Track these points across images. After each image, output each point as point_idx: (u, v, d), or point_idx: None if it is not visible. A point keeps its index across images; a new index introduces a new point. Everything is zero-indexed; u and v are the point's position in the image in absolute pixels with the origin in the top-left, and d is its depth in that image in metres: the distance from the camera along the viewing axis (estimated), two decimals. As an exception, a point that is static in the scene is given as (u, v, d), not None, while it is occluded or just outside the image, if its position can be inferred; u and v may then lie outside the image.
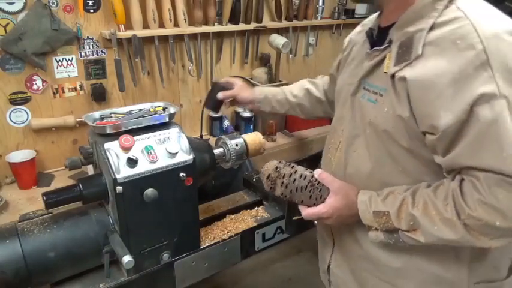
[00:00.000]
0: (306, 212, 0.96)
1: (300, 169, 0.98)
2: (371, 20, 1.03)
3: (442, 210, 0.78)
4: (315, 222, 1.08)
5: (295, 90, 1.40)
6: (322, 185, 0.95)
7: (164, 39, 1.89)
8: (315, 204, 0.96)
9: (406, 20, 0.82)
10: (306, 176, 0.96)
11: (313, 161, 1.76)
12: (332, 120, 1.12)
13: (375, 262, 0.98)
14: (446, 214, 0.77)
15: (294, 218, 1.24)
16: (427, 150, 0.82)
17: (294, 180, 0.96)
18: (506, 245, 0.89)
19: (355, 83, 0.94)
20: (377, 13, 0.98)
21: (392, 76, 0.81)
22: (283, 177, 0.96)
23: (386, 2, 0.89)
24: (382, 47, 0.87)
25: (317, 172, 0.97)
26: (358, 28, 1.12)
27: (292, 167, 0.98)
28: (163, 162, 1.04)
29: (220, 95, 1.40)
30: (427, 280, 0.92)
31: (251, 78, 2.18)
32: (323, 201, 0.94)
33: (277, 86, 2.17)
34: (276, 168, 0.97)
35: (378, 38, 0.92)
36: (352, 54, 1.06)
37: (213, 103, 1.43)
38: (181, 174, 1.06)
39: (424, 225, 0.80)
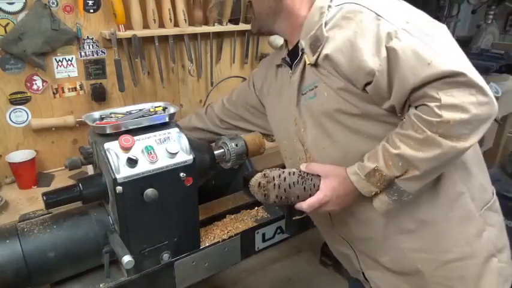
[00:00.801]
0: (306, 204, 0.97)
1: (286, 169, 1.01)
2: (274, 55, 1.23)
3: (416, 136, 0.84)
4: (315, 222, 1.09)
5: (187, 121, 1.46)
6: (312, 174, 0.99)
7: (164, 39, 1.88)
8: (310, 195, 0.97)
9: (305, 32, 0.97)
10: (294, 172, 0.99)
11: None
12: (281, 150, 1.23)
13: (394, 243, 1.02)
14: (421, 136, 0.83)
15: (294, 218, 1.24)
16: (377, 108, 0.91)
17: (285, 178, 0.98)
18: (482, 163, 1.06)
19: (295, 97, 1.04)
20: (280, 47, 1.18)
21: (315, 64, 0.95)
22: (273, 179, 0.98)
23: (282, 29, 1.07)
24: (299, 58, 1.00)
25: (303, 166, 1.02)
26: (262, 69, 1.28)
27: (278, 169, 1.01)
28: (163, 162, 1.04)
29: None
30: (447, 229, 0.99)
31: (251, 78, 2.17)
32: (318, 189, 0.97)
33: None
34: (264, 174, 0.99)
35: (291, 59, 1.06)
36: (274, 89, 1.18)
37: None
38: (181, 174, 1.06)
39: (411, 157, 0.85)
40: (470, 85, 0.79)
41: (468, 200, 0.98)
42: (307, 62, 0.97)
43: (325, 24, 0.93)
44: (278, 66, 1.15)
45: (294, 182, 0.97)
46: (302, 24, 0.99)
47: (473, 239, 0.99)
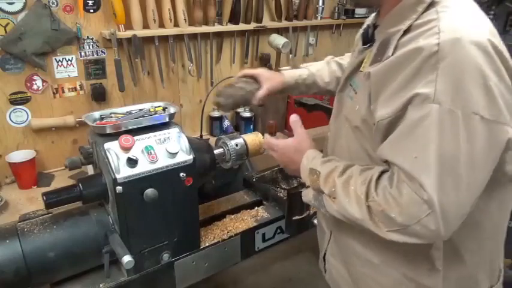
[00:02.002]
0: (266, 139, 1.07)
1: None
2: (373, 16, 1.03)
3: (357, 187, 0.81)
4: (315, 222, 1.09)
5: (327, 76, 1.35)
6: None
7: (164, 39, 1.88)
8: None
9: (388, 20, 0.83)
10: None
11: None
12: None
13: (360, 256, 1.00)
14: (358, 192, 0.80)
15: (294, 218, 1.24)
16: None
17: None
18: (483, 257, 0.91)
19: (343, 80, 0.98)
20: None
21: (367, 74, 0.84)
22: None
23: (381, 3, 0.90)
24: (367, 46, 0.90)
25: (293, 117, 1.04)
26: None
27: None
28: (163, 162, 1.04)
29: (261, 92, 1.26)
30: (402, 281, 0.93)
31: (251, 78, 2.17)
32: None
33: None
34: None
35: (371, 36, 0.93)
36: (355, 50, 1.08)
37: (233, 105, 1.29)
38: (181, 174, 1.06)
39: (340, 194, 0.84)
40: (429, 205, 0.70)
41: (439, 279, 0.89)
42: (361, 68, 0.89)
43: (408, 30, 0.77)
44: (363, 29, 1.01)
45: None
46: (398, 3, 0.82)
47: None
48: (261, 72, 1.31)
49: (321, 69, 1.38)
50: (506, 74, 0.73)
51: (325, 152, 1.09)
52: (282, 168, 1.63)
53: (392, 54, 0.77)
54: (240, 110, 2.22)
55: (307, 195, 0.96)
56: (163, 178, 1.04)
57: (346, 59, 1.35)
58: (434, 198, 0.69)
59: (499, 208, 0.87)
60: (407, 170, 0.72)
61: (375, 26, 0.94)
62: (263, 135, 1.37)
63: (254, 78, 1.29)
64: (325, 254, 1.16)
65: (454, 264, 0.89)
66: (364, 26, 1.05)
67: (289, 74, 1.34)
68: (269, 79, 1.29)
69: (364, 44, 0.94)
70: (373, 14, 1.03)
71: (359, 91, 0.88)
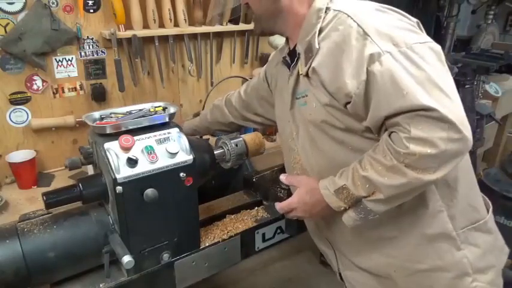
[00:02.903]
0: (279, 205, 1.09)
1: None
2: (278, 52, 1.23)
3: (384, 162, 0.86)
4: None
5: (208, 114, 1.53)
6: None
7: (164, 39, 1.88)
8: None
9: (303, 34, 0.98)
10: None
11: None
12: (281, 145, 1.24)
13: (370, 248, 1.05)
14: (389, 163, 0.85)
15: (294, 218, 1.24)
16: (359, 124, 0.92)
17: None
18: (474, 184, 1.04)
19: (289, 100, 1.06)
20: (282, 43, 1.17)
21: (307, 74, 0.96)
22: None
23: (284, 29, 1.06)
24: (295, 62, 1.02)
25: (283, 176, 1.11)
26: (272, 62, 1.27)
27: None
28: (163, 162, 1.04)
29: None
30: (418, 242, 0.99)
31: (251, 78, 2.17)
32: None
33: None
34: None
35: (291, 59, 1.06)
36: (279, 86, 1.18)
37: None
38: (181, 174, 1.06)
39: (377, 181, 0.87)
40: (442, 120, 0.79)
41: (446, 219, 0.97)
42: (300, 72, 0.99)
43: (320, 30, 0.93)
44: (282, 62, 1.15)
45: None
46: (302, 23, 0.99)
47: (446, 255, 0.99)
48: None
49: (204, 112, 1.57)
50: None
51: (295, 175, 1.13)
52: (282, 169, 1.65)
53: (319, 47, 0.92)
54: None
55: (349, 218, 0.95)
56: (163, 178, 1.04)
57: (234, 95, 1.47)
58: (441, 110, 0.78)
59: None
60: (409, 107, 0.80)
61: (290, 52, 1.08)
62: (263, 135, 1.37)
63: None
64: (339, 273, 1.19)
65: (452, 199, 0.97)
66: (274, 62, 1.24)
67: (187, 124, 1.56)
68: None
69: (289, 67, 1.07)
70: (277, 51, 1.27)
71: (309, 92, 0.98)
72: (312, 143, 1.03)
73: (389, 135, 0.86)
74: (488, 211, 1.07)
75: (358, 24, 0.86)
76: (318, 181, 1.00)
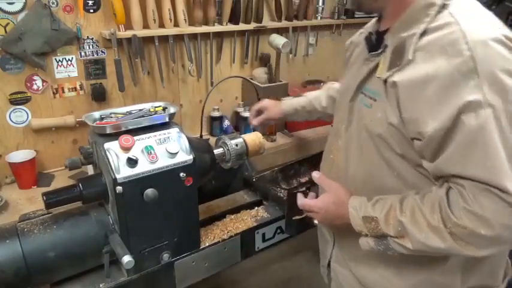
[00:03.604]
0: (301, 202, 1.04)
1: None
2: (372, 23, 1.03)
3: (429, 218, 0.78)
4: (315, 222, 1.10)
5: (323, 101, 1.44)
6: None
7: (164, 39, 1.88)
8: None
9: (400, 25, 0.83)
10: None
11: (313, 161, 1.76)
12: (333, 121, 1.14)
13: (369, 262, 1.00)
14: (433, 222, 0.77)
15: (294, 218, 1.24)
16: (418, 158, 0.83)
17: None
18: (504, 250, 0.91)
19: (354, 88, 0.95)
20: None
21: (385, 81, 0.82)
22: None
23: (384, 8, 0.89)
24: (378, 52, 0.88)
25: (315, 174, 1.03)
26: (360, 30, 1.12)
27: None
28: (163, 162, 1.04)
29: (255, 121, 1.56)
30: (420, 283, 0.93)
31: (251, 78, 2.17)
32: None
33: (278, 85, 2.17)
34: None
35: (376, 42, 0.93)
36: (353, 58, 1.07)
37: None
38: (181, 174, 1.06)
39: (412, 232, 0.80)
40: None
41: (459, 274, 0.90)
42: (377, 74, 0.86)
43: (424, 33, 0.77)
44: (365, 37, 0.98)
45: None
46: (405, 9, 0.82)
47: None
48: (264, 103, 1.55)
49: (319, 95, 1.47)
50: None
51: (329, 160, 1.08)
52: (282, 169, 1.65)
53: (412, 59, 0.77)
54: (240, 110, 2.22)
55: (367, 244, 0.90)
56: (163, 178, 1.04)
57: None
58: None
59: None
60: (484, 180, 0.71)
61: (378, 32, 0.93)
62: (263, 135, 1.37)
63: (261, 111, 1.55)
64: (329, 262, 1.16)
65: (474, 261, 0.89)
66: (363, 33, 1.04)
67: (287, 103, 1.51)
68: (268, 109, 1.53)
69: (371, 50, 0.92)
70: (372, 21, 1.03)
71: (379, 98, 0.86)
72: (358, 149, 0.95)
73: (446, 192, 0.77)
74: (504, 279, 0.98)
75: (472, 56, 0.70)
76: (349, 194, 0.95)
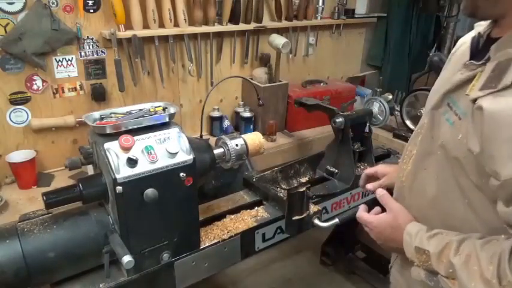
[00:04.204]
0: (360, 215, 0.99)
1: None
2: (486, 23, 0.86)
3: (484, 268, 0.71)
4: (315, 222, 1.09)
5: None
6: None
7: (164, 39, 1.89)
8: None
9: (509, 38, 0.71)
10: None
11: (313, 161, 1.76)
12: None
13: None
14: (487, 274, 0.70)
15: (293, 218, 1.24)
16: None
17: None
18: None
19: (440, 96, 0.84)
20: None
21: (474, 101, 0.71)
22: None
23: (504, 15, 0.74)
24: (479, 63, 0.76)
25: (380, 191, 0.98)
26: (476, 23, 0.92)
27: None
28: (163, 162, 1.04)
29: (370, 186, 1.23)
30: None
31: (251, 78, 2.18)
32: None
33: (278, 85, 2.17)
34: None
35: (482, 48, 0.80)
36: (456, 55, 0.93)
37: None
38: (181, 174, 1.06)
39: (462, 278, 0.74)
40: None
41: None
42: (467, 91, 0.74)
43: None
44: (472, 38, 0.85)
45: None
46: None
47: None
48: (378, 169, 1.24)
49: None
50: None
51: (401, 168, 1.00)
52: (282, 169, 1.65)
53: (511, 84, 0.65)
54: (240, 110, 2.22)
55: (418, 275, 0.85)
56: (163, 178, 1.04)
57: None
58: None
59: None
60: None
61: (489, 37, 0.80)
62: (263, 135, 1.37)
63: (375, 177, 1.24)
64: (391, 266, 1.12)
65: None
66: (474, 33, 0.87)
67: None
68: (386, 174, 1.22)
69: (472, 56, 0.80)
70: (489, 21, 0.84)
71: (465, 118, 0.75)
72: (429, 167, 0.87)
73: None
74: None
75: None
76: (409, 219, 0.90)
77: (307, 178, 1.73)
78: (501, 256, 0.69)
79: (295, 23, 2.31)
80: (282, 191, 1.47)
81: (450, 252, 0.76)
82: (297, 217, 1.23)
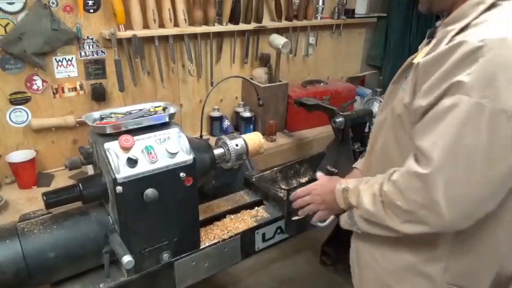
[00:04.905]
0: (301, 188, 1.17)
1: None
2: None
3: (374, 188, 0.88)
4: (316, 223, 1.11)
5: None
6: None
7: (164, 39, 1.88)
8: None
9: (450, 19, 0.84)
10: None
11: (313, 162, 1.76)
12: None
13: (366, 241, 1.04)
14: (376, 191, 0.88)
15: (293, 218, 1.24)
16: None
17: None
18: (490, 256, 0.88)
19: (399, 71, 1.00)
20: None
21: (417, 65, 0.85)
22: None
23: (452, 8, 0.87)
24: (427, 41, 0.92)
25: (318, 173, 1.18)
26: None
27: None
28: (163, 162, 1.04)
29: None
30: (405, 268, 0.95)
31: (251, 78, 2.18)
32: None
33: (278, 85, 2.17)
34: None
35: (433, 33, 0.95)
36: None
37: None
38: (181, 174, 1.06)
39: (361, 197, 0.91)
40: (430, 199, 0.75)
41: (441, 269, 0.90)
42: (415, 60, 0.88)
43: (465, 28, 0.78)
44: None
45: None
46: (459, 5, 0.83)
47: None
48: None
49: None
50: None
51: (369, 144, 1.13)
52: (282, 169, 1.65)
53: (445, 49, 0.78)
54: (240, 110, 2.22)
55: (342, 219, 1.01)
56: (163, 178, 1.04)
57: None
58: (437, 180, 0.74)
59: None
60: (424, 152, 0.77)
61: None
62: (263, 135, 1.37)
63: None
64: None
65: (459, 257, 0.89)
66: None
67: None
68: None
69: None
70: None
71: (408, 84, 0.89)
72: (384, 125, 0.99)
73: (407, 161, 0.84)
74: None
75: (482, 47, 0.72)
76: (342, 179, 1.06)
77: (306, 178, 1.73)
78: (388, 175, 0.86)
79: (295, 23, 2.31)
80: (282, 191, 1.47)
81: (361, 184, 0.94)
82: (296, 217, 1.23)
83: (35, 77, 1.66)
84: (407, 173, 0.81)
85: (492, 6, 0.79)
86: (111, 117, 1.13)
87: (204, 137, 1.94)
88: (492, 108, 0.71)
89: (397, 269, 0.97)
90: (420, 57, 0.85)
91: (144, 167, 1.01)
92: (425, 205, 0.77)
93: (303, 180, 1.72)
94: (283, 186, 1.57)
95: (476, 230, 0.84)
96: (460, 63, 0.73)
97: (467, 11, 0.81)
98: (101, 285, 1.07)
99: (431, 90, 0.77)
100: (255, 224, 1.36)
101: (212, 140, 1.45)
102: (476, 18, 0.78)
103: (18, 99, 1.65)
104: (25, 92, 1.65)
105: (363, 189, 0.92)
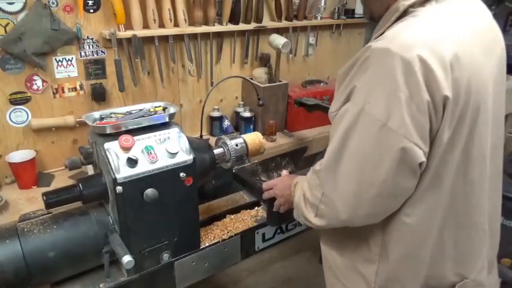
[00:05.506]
0: (265, 183, 1.26)
1: None
2: None
3: (307, 176, 0.96)
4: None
5: None
6: None
7: (164, 39, 1.88)
8: None
9: (376, 28, 0.89)
10: None
11: (294, 155, 1.75)
12: None
13: (324, 238, 1.09)
14: (308, 179, 0.95)
15: (274, 210, 1.25)
16: None
17: None
18: (414, 263, 0.88)
19: None
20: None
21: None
22: None
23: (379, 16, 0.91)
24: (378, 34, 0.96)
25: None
26: None
27: None
28: (163, 162, 1.04)
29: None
30: (347, 266, 0.99)
31: (251, 78, 2.18)
32: None
33: (278, 85, 2.17)
34: None
35: None
36: None
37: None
38: (181, 174, 1.06)
39: (297, 190, 0.99)
40: (321, 183, 0.88)
41: (374, 270, 0.91)
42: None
43: (379, 37, 0.81)
44: None
45: None
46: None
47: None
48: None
49: None
50: (429, 94, 0.73)
51: None
52: (263, 162, 1.63)
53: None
54: (240, 110, 2.22)
55: (297, 215, 1.03)
56: (163, 178, 1.04)
57: None
58: (326, 177, 0.85)
59: (428, 215, 0.84)
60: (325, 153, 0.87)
61: None
62: (263, 135, 1.37)
63: None
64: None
65: (386, 261, 0.89)
66: None
67: None
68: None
69: None
70: None
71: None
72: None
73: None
74: None
75: (371, 56, 0.77)
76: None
77: (287, 172, 1.71)
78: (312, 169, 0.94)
79: (295, 23, 2.31)
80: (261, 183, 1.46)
81: (305, 177, 0.98)
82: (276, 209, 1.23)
83: (35, 77, 1.66)
84: (312, 170, 0.92)
85: (406, 13, 0.80)
86: (111, 117, 1.13)
87: (204, 137, 1.93)
88: (368, 116, 0.77)
89: (344, 266, 1.01)
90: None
91: (144, 167, 1.01)
92: (323, 200, 0.87)
93: (284, 173, 1.70)
94: (263, 179, 1.56)
95: (398, 236, 0.86)
96: (358, 70, 0.80)
97: (385, 20, 0.85)
98: (101, 285, 1.07)
99: (338, 97, 0.86)
100: (255, 224, 1.36)
101: (212, 140, 1.45)
102: (390, 26, 0.82)
103: (18, 99, 1.65)
104: (25, 92, 1.65)
105: (299, 185, 1.00)
